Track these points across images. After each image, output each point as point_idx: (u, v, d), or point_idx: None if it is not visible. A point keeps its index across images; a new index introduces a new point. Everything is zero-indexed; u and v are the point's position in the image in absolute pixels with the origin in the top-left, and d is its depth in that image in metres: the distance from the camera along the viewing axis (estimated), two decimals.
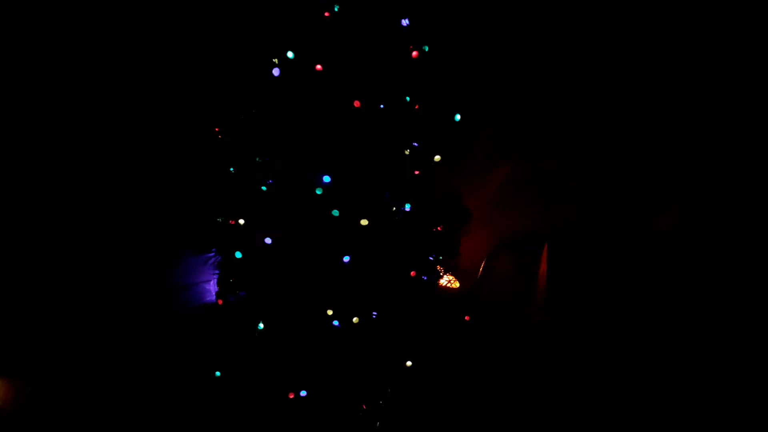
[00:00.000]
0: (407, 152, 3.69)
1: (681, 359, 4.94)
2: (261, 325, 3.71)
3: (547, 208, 5.77)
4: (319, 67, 3.35)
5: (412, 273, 3.85)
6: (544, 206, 5.78)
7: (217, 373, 3.86)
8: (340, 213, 3.40)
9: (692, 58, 5.36)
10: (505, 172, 5.87)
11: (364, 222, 3.47)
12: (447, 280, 5.49)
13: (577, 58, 5.41)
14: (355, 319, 3.67)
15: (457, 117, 3.73)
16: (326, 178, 3.39)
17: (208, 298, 5.13)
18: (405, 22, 3.49)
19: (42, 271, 4.54)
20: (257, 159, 3.59)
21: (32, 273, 4.54)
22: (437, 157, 3.69)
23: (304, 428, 3.66)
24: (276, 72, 3.35)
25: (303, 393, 3.66)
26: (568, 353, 5.15)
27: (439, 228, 3.93)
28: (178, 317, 4.95)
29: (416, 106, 3.61)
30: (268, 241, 3.48)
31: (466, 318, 5.08)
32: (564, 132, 5.63)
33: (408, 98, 3.58)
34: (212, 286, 5.04)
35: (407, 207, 3.68)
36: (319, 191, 3.42)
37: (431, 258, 4.13)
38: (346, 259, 3.52)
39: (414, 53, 3.55)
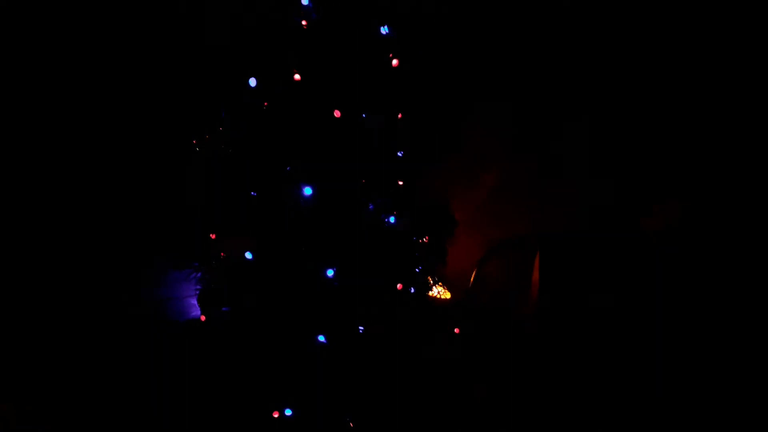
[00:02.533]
0: (391, 161, 3.62)
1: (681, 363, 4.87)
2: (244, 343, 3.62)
3: (538, 212, 5.71)
4: (297, 77, 3.28)
5: (399, 286, 3.77)
6: (535, 210, 5.72)
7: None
8: (321, 226, 3.32)
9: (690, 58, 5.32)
10: (495, 176, 5.81)
11: (347, 234, 3.39)
12: (437, 291, 5.40)
13: (566, 62, 5.37)
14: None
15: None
16: (307, 190, 3.31)
17: (192, 313, 5.05)
18: (384, 30, 3.42)
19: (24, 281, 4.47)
20: (236, 169, 3.52)
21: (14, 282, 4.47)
22: (421, 167, 3.62)
23: None
24: (252, 82, 3.28)
25: (288, 412, 3.57)
26: (560, 358, 5.09)
27: (425, 239, 3.86)
28: (164, 331, 4.88)
29: (399, 115, 3.54)
30: (248, 256, 3.39)
31: (456, 330, 5.06)
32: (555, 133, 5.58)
33: (390, 107, 3.51)
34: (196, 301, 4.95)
35: (392, 219, 3.60)
36: (302, 202, 3.35)
37: (418, 270, 4.06)
38: (330, 272, 3.43)
39: (394, 62, 3.48)
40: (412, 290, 3.94)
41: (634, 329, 5.13)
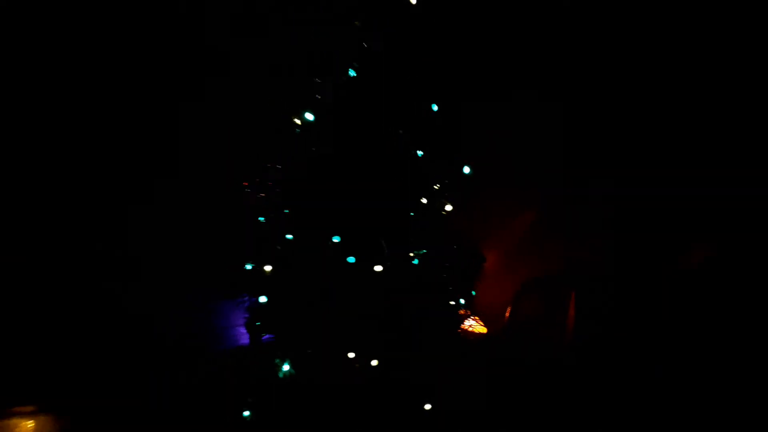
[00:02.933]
0: (420, 202, 3.93)
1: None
2: (285, 367, 3.95)
3: (573, 251, 5.88)
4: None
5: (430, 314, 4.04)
6: (570, 248, 5.89)
7: (245, 414, 4.09)
8: (354, 261, 3.66)
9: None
10: (529, 218, 6.04)
11: (378, 268, 3.70)
12: (470, 324, 5.60)
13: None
14: (374, 362, 3.87)
15: (467, 170, 3.96)
16: (336, 238, 3.67)
17: (242, 341, 5.40)
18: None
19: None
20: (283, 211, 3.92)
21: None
22: (449, 207, 3.91)
23: None
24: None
25: None
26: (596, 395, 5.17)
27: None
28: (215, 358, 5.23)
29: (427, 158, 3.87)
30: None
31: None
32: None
33: (420, 153, 3.84)
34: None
35: (421, 252, 3.90)
36: (336, 238, 3.69)
37: (451, 302, 4.32)
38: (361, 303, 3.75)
39: (425, 110, 3.83)
40: (442, 320, 4.19)
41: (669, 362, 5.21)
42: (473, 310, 5.59)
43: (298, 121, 3.65)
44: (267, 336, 4.13)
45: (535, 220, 5.87)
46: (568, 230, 5.76)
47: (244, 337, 5.20)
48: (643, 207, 5.72)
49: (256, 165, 3.86)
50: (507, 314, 5.84)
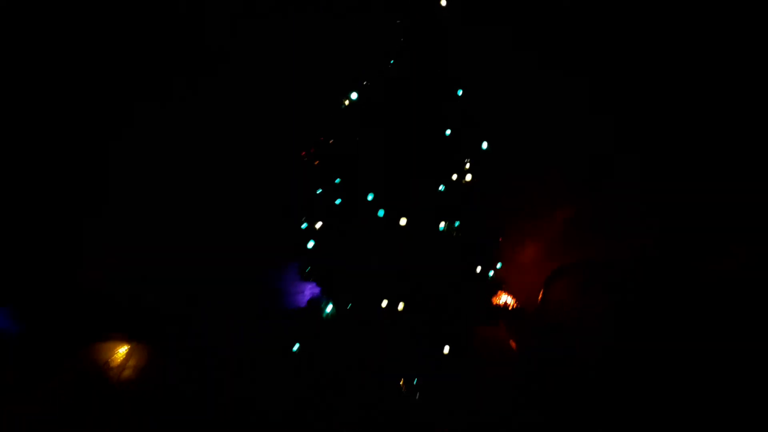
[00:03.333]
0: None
1: None
2: (329, 308, 4.71)
3: (614, 240, 6.31)
4: None
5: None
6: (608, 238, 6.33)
7: (295, 348, 4.88)
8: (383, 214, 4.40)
9: None
10: (569, 211, 6.54)
11: (402, 221, 4.41)
12: (505, 300, 6.12)
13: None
14: (400, 306, 4.56)
15: (485, 145, 4.62)
16: (370, 196, 4.43)
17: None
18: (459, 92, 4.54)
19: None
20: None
21: None
22: (468, 177, 4.59)
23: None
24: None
25: None
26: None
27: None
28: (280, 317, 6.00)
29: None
30: None
31: (512, 344, 5.81)
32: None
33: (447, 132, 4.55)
34: (305, 293, 6.00)
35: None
36: (371, 196, 4.43)
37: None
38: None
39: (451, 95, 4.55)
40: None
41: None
42: (510, 290, 6.14)
43: (347, 102, 4.45)
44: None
45: (565, 207, 6.33)
46: (598, 221, 6.19)
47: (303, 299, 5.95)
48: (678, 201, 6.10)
49: (312, 139, 4.68)
50: (539, 297, 6.33)
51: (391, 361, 4.60)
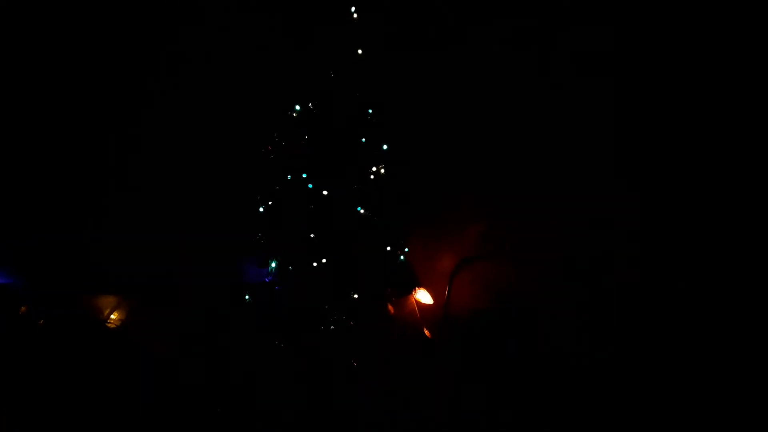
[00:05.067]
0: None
1: None
2: (273, 264, 6.32)
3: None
4: None
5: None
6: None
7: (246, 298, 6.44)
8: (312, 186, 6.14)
9: None
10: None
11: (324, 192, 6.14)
12: (422, 295, 7.58)
13: None
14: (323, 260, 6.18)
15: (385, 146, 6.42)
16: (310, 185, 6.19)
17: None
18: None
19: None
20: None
21: None
22: (374, 168, 6.36)
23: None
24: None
25: None
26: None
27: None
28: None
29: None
30: None
31: (426, 332, 7.30)
32: None
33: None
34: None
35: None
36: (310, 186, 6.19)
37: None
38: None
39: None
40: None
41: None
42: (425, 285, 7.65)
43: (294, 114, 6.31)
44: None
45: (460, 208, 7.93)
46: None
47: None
48: None
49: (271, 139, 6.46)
50: (446, 290, 7.84)
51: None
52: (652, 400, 6.26)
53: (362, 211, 6.35)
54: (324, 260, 6.17)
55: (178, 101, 7.28)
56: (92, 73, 7.36)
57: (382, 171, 6.37)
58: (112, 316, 6.80)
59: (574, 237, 7.33)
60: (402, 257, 6.86)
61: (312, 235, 6.23)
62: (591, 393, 6.41)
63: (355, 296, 6.19)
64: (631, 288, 7.04)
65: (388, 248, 6.59)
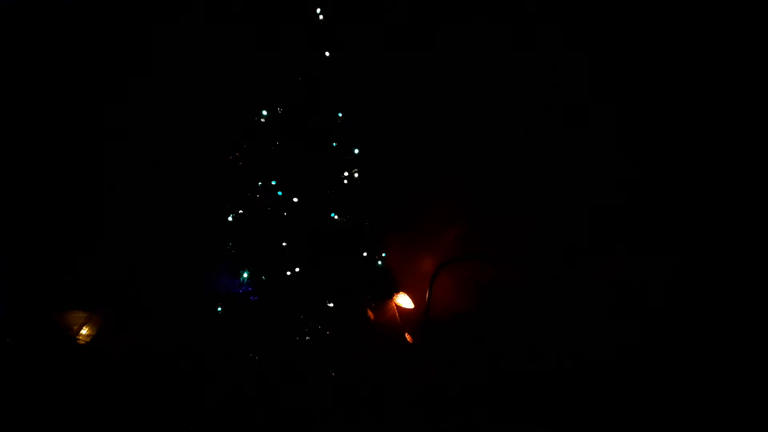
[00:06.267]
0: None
1: None
2: (245, 275, 6.13)
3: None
4: None
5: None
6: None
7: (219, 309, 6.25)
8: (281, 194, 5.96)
9: None
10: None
11: (295, 199, 5.96)
12: (402, 300, 7.44)
13: None
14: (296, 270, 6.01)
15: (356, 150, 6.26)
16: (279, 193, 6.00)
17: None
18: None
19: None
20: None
21: None
22: (346, 173, 6.18)
23: None
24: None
25: None
26: None
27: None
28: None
29: None
30: None
31: (408, 337, 7.16)
32: None
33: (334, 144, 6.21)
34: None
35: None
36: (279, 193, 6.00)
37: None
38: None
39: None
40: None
41: None
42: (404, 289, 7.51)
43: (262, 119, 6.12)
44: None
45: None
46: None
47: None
48: None
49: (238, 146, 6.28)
50: (427, 294, 7.71)
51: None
52: (638, 399, 6.21)
53: (336, 216, 6.19)
54: (297, 269, 5.99)
55: (148, 106, 7.06)
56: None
57: (356, 175, 6.19)
58: (82, 332, 6.60)
59: (548, 237, 7.28)
60: (380, 262, 6.72)
61: (284, 244, 6.05)
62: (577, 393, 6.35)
63: (331, 305, 6.01)
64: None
65: (365, 254, 6.43)
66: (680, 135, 7.17)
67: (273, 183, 5.94)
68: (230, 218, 6.31)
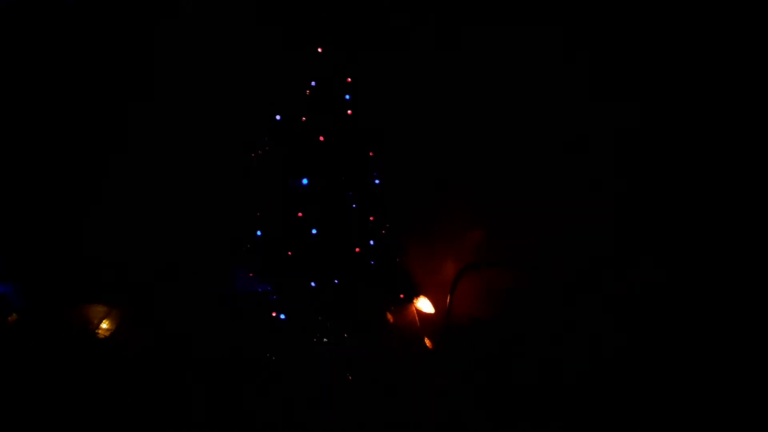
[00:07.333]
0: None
1: None
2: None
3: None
4: None
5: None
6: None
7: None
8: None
9: None
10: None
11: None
12: (421, 305, 7.33)
13: None
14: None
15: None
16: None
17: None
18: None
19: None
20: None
21: None
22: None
23: None
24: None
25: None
26: None
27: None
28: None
29: None
30: None
31: (427, 342, 7.04)
32: None
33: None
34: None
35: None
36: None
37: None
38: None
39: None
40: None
41: None
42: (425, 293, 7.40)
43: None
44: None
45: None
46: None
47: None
48: None
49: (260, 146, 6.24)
50: (448, 299, 7.59)
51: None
52: (656, 405, 5.97)
53: (357, 218, 6.11)
54: (319, 270, 5.93)
55: (170, 107, 7.06)
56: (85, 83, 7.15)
57: (377, 182, 6.12)
58: (102, 326, 6.61)
59: (574, 242, 7.11)
60: (401, 265, 6.63)
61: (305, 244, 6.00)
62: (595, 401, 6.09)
63: (353, 307, 5.94)
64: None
65: (386, 256, 6.35)
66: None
67: (298, 183, 5.83)
68: (252, 217, 6.27)
